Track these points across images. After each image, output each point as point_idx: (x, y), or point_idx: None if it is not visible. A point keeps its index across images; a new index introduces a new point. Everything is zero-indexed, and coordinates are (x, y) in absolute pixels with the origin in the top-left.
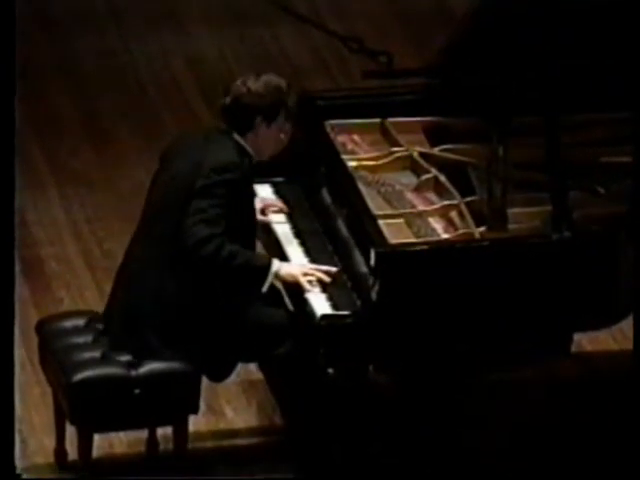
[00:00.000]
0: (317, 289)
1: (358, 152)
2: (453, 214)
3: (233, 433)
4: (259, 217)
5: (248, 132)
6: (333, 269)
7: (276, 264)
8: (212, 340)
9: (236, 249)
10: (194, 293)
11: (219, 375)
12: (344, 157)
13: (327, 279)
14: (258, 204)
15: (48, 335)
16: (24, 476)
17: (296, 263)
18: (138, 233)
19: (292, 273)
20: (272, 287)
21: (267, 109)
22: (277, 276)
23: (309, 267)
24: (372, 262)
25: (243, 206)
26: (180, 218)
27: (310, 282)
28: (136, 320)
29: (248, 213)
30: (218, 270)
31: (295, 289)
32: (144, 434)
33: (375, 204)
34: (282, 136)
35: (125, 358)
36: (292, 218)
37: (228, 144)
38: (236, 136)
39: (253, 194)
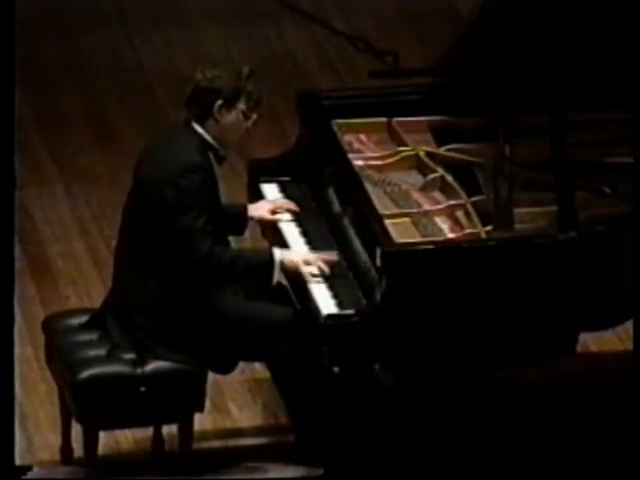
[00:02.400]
0: (318, 279)
1: (364, 151)
2: (459, 214)
3: (238, 431)
4: (267, 217)
5: (209, 119)
6: (333, 257)
7: (277, 255)
8: (208, 337)
9: (235, 253)
10: (180, 294)
11: (223, 368)
12: (350, 156)
13: (327, 269)
14: (268, 205)
15: (54, 332)
16: (34, 470)
17: (297, 251)
18: (120, 237)
19: (294, 262)
20: (278, 284)
21: (225, 92)
22: (282, 265)
23: (311, 256)
24: (378, 261)
25: (210, 202)
26: (153, 224)
27: (312, 272)
28: (129, 322)
29: (214, 206)
30: (225, 278)
31: (297, 280)
32: (150, 432)
33: (381, 203)
34: (248, 123)
35: (131, 356)
36: (298, 217)
37: (188, 141)
38: (197, 127)
39: (217, 188)
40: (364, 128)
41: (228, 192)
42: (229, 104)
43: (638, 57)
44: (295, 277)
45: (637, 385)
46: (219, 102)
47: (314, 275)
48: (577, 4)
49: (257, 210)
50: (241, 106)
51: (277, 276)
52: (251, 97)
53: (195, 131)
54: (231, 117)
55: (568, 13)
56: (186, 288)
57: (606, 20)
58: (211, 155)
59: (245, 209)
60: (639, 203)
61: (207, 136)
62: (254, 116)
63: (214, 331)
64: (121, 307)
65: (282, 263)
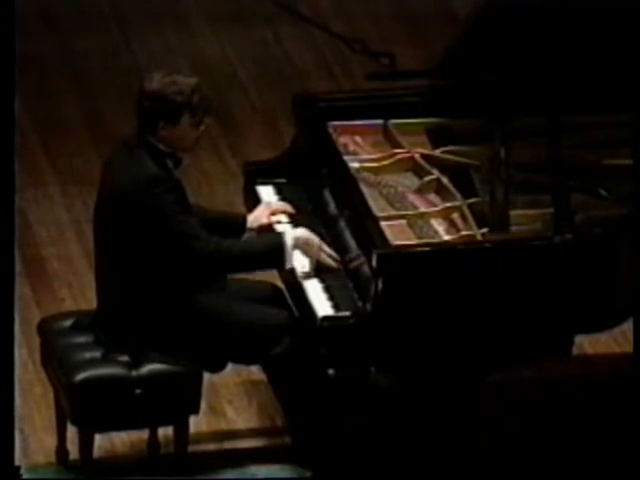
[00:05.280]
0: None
1: (360, 153)
2: (455, 216)
3: (234, 433)
4: (262, 219)
5: (157, 132)
6: (337, 258)
7: (289, 240)
8: (201, 341)
9: (244, 242)
10: (169, 297)
11: (214, 366)
12: (346, 158)
13: (337, 257)
14: (266, 212)
15: (50, 335)
16: (25, 476)
17: (312, 236)
18: (95, 251)
19: (313, 242)
20: (272, 286)
21: (166, 113)
22: (296, 247)
23: (323, 247)
24: (374, 263)
25: (184, 206)
26: (124, 238)
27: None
28: (119, 327)
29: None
30: (237, 269)
31: (294, 282)
32: (145, 434)
33: (377, 205)
34: (199, 132)
35: (126, 358)
36: (294, 219)
37: (143, 153)
38: (149, 137)
39: (185, 193)
40: (360, 130)
41: (224, 194)
42: (172, 122)
43: (634, 59)
44: (291, 278)
45: (634, 387)
46: (161, 122)
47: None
48: (572, 6)
49: (256, 221)
50: (185, 121)
51: (289, 263)
52: (195, 111)
53: (148, 141)
54: (177, 130)
55: (564, 15)
56: (175, 292)
57: (604, 22)
58: (169, 162)
59: (244, 220)
60: (639, 205)
61: (160, 144)
62: (204, 122)
63: (207, 334)
64: (110, 313)
65: (297, 243)
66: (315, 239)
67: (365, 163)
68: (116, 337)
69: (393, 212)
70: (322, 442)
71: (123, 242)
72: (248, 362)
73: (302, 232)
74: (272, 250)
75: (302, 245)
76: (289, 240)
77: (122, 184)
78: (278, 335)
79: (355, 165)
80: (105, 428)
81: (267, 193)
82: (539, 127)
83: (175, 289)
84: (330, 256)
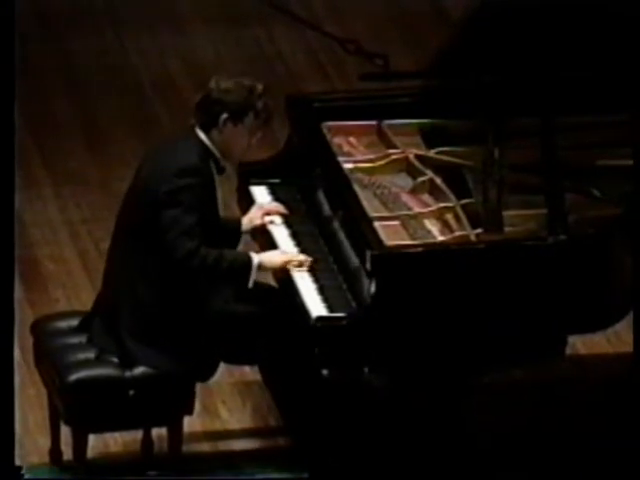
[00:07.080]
0: (304, 271)
1: (354, 154)
2: (449, 216)
3: (228, 434)
4: (256, 221)
5: (213, 129)
6: (309, 258)
7: (256, 259)
8: (194, 341)
9: (218, 254)
10: (169, 298)
11: (203, 374)
12: (340, 159)
13: (309, 259)
14: (259, 212)
15: (43, 335)
16: (26, 476)
17: (275, 251)
18: (114, 237)
19: (275, 261)
20: (267, 286)
21: (234, 107)
22: (261, 268)
23: (289, 255)
24: (368, 264)
25: (205, 208)
26: (148, 224)
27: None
28: (115, 325)
29: (210, 214)
30: (206, 277)
31: (287, 281)
32: (139, 434)
33: (371, 206)
34: (252, 141)
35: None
36: (288, 220)
37: (191, 146)
38: (200, 134)
39: (215, 196)
40: (354, 131)
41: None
42: (235, 119)
43: (631, 59)
44: (283, 276)
45: (634, 387)
46: (225, 115)
47: (298, 267)
48: (567, 6)
49: (250, 223)
50: (247, 122)
51: (253, 280)
52: (259, 115)
53: (198, 138)
54: (236, 131)
55: (559, 15)
56: (175, 293)
57: (601, 21)
58: (212, 163)
59: (239, 224)
60: (638, 205)
61: (210, 144)
62: (259, 133)
63: (201, 335)
64: (109, 309)
65: (261, 265)
66: (277, 259)
67: (359, 164)
68: (111, 333)
69: (387, 213)
70: (316, 442)
71: (139, 233)
72: (240, 362)
73: (268, 255)
74: (241, 267)
75: (272, 264)
76: (255, 260)
77: (160, 168)
78: (268, 334)
79: (349, 166)
80: (99, 429)
81: (261, 193)
82: (533, 128)
83: (174, 289)
84: (299, 262)
